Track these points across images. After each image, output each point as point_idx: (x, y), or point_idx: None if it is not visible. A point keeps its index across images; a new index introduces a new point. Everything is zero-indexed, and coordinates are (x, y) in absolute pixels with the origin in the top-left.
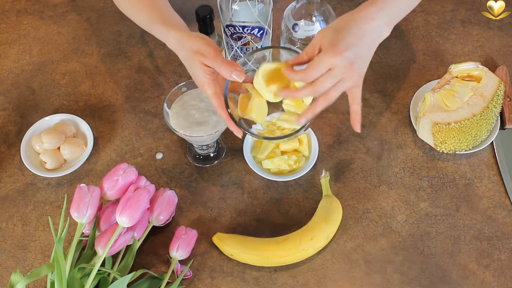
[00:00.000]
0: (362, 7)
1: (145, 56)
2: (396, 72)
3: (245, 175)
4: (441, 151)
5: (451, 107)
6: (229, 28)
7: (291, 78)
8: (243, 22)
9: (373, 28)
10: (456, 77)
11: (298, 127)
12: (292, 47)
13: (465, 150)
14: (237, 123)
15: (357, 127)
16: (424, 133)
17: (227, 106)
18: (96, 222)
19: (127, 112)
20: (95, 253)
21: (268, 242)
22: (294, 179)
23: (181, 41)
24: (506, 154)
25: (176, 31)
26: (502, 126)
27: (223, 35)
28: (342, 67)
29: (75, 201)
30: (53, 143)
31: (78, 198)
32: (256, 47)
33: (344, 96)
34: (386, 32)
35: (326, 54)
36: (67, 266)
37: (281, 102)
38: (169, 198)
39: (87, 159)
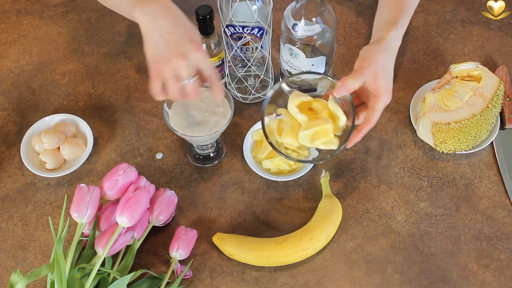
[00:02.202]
0: (387, 35)
1: (145, 56)
2: (396, 72)
3: (245, 175)
4: (441, 151)
5: (451, 107)
6: (229, 28)
7: (362, 135)
8: (243, 22)
9: (390, 49)
10: (456, 77)
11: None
12: (332, 79)
13: (465, 150)
14: (273, 146)
15: (351, 144)
16: (424, 133)
17: (265, 130)
18: (96, 222)
19: (127, 112)
20: (95, 253)
21: (268, 242)
22: (294, 179)
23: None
24: (506, 154)
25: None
26: (502, 126)
27: (223, 35)
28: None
29: (75, 201)
30: (53, 143)
31: (78, 198)
32: (256, 47)
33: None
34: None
35: (386, 100)
36: (67, 266)
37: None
38: (169, 198)
39: (87, 159)
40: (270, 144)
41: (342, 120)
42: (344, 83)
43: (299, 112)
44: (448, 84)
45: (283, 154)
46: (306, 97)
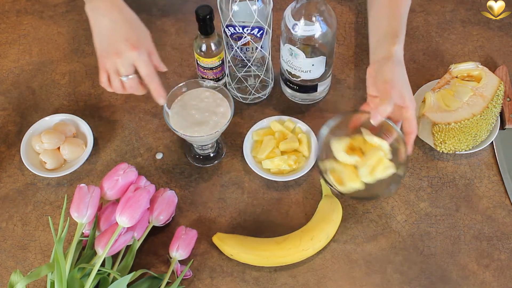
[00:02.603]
0: (393, 51)
1: None
2: None
3: (245, 175)
4: (441, 151)
5: (451, 107)
6: (229, 28)
7: (411, 145)
8: (243, 22)
9: (400, 63)
10: (456, 77)
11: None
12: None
13: (465, 150)
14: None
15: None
16: (424, 133)
17: (324, 176)
18: (96, 222)
19: (127, 112)
20: (95, 253)
21: (268, 242)
22: (294, 179)
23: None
24: (506, 154)
25: None
26: (502, 126)
27: (223, 35)
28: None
29: (75, 201)
30: (53, 143)
31: (78, 198)
32: (256, 47)
33: (344, 96)
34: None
35: (413, 106)
36: (67, 266)
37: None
38: (169, 198)
39: (87, 159)
40: (341, 193)
41: (385, 144)
42: (378, 111)
43: (349, 156)
44: (448, 84)
45: (365, 198)
46: (346, 140)
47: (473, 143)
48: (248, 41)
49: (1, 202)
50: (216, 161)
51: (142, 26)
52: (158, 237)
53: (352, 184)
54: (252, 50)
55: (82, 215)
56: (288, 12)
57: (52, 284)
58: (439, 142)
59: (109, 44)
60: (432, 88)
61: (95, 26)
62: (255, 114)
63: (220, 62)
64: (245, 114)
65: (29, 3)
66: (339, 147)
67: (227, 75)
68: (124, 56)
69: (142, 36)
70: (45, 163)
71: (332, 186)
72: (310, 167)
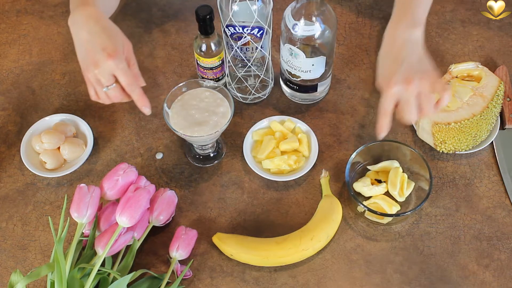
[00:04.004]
0: (393, 32)
1: (145, 56)
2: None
3: (245, 175)
4: (441, 151)
5: (451, 107)
6: (229, 28)
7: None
8: (243, 22)
9: (408, 46)
10: (456, 77)
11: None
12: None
13: (465, 150)
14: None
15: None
16: (424, 133)
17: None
18: (96, 222)
19: (127, 112)
20: (95, 253)
21: (268, 242)
22: (294, 179)
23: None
24: (506, 154)
25: None
26: (502, 126)
27: (223, 35)
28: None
29: (75, 201)
30: (53, 143)
31: (78, 198)
32: (256, 47)
33: (344, 96)
34: (418, 34)
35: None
36: (67, 266)
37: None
38: (169, 198)
39: (87, 159)
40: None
41: (396, 163)
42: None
43: (374, 186)
44: (448, 84)
45: (397, 214)
46: (366, 178)
47: (473, 143)
48: (248, 41)
49: (1, 202)
50: (216, 161)
51: (120, 35)
52: (158, 237)
53: (392, 210)
54: (252, 50)
55: (82, 215)
56: (288, 12)
57: (52, 284)
58: (439, 142)
59: (87, 56)
60: None
61: (75, 39)
62: (255, 114)
63: (220, 62)
64: (245, 114)
65: (29, 3)
66: (364, 185)
67: (227, 75)
68: (102, 66)
69: (120, 45)
70: (45, 163)
71: (378, 223)
72: (310, 167)
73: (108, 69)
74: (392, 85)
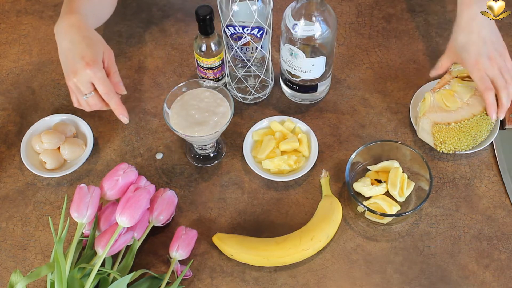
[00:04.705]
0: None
1: (145, 56)
2: (396, 72)
3: (245, 175)
4: (441, 151)
5: (451, 107)
6: (229, 28)
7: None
8: (243, 22)
9: (486, 25)
10: (456, 77)
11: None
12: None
13: (465, 150)
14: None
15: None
16: (424, 133)
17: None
18: (96, 222)
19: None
20: (95, 253)
21: (268, 242)
22: (294, 179)
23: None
24: (506, 154)
25: None
26: (502, 126)
27: (223, 35)
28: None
29: (75, 201)
30: (53, 143)
31: (78, 198)
32: (256, 47)
33: (344, 96)
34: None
35: (476, 67)
36: (67, 266)
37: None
38: (169, 198)
39: (87, 159)
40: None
41: (396, 163)
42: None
43: (374, 186)
44: (448, 84)
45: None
46: (366, 178)
47: (473, 143)
48: (248, 41)
49: (1, 202)
50: (216, 161)
51: (101, 45)
52: (158, 237)
53: (392, 210)
54: (252, 50)
55: (82, 215)
56: (288, 12)
57: (52, 284)
58: (439, 142)
59: (68, 64)
60: (432, 88)
61: (58, 47)
62: (255, 114)
63: (220, 62)
64: (245, 114)
65: (29, 3)
66: (364, 185)
67: (227, 75)
68: (80, 74)
69: (99, 54)
70: (45, 163)
71: (378, 223)
72: (310, 167)
73: (86, 77)
74: (480, 63)
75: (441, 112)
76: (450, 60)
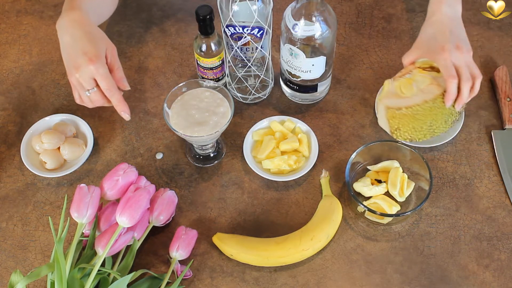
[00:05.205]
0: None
1: (145, 56)
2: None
3: (245, 175)
4: (397, 139)
5: (406, 94)
6: (229, 28)
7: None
8: (243, 22)
9: (454, 21)
10: (419, 67)
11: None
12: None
13: (422, 140)
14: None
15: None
16: (382, 120)
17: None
18: (96, 222)
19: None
20: (95, 253)
21: (268, 242)
22: (294, 179)
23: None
24: (506, 154)
25: None
26: (502, 126)
27: (223, 35)
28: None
29: (75, 201)
30: (53, 143)
31: (78, 198)
32: (256, 47)
33: (344, 96)
34: (459, 10)
35: (443, 56)
36: (67, 266)
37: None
38: (169, 198)
39: (87, 159)
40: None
41: (396, 163)
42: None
43: (374, 186)
44: (409, 74)
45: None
46: (366, 178)
47: (430, 133)
48: (248, 41)
49: (1, 202)
50: (216, 161)
51: (104, 40)
52: (158, 237)
53: (392, 210)
54: (252, 50)
55: (82, 215)
56: (288, 12)
57: (52, 284)
58: (394, 129)
59: (70, 60)
60: (394, 76)
61: (60, 43)
62: (255, 114)
63: (220, 62)
64: (245, 114)
65: (29, 3)
66: (364, 185)
67: (227, 75)
68: (82, 70)
69: (102, 50)
70: (45, 163)
71: (378, 223)
72: (310, 167)
73: (88, 73)
74: (446, 50)
75: (395, 98)
76: (415, 54)
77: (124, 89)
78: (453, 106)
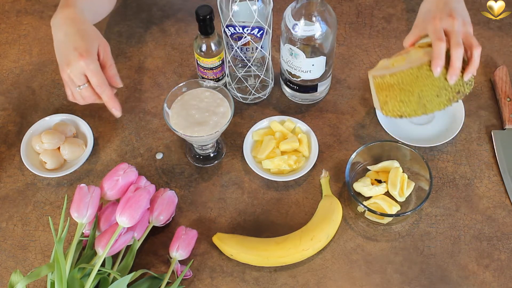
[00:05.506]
0: None
1: (145, 56)
2: None
3: (245, 175)
4: (387, 115)
5: (395, 66)
6: (229, 28)
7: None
8: (243, 22)
9: None
10: (418, 47)
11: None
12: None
13: (413, 116)
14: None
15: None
16: (374, 97)
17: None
18: (96, 222)
19: (127, 112)
20: (95, 253)
21: (268, 242)
22: (294, 179)
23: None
24: (506, 154)
25: None
26: (502, 126)
27: (223, 35)
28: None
29: (75, 201)
30: (53, 143)
31: (78, 198)
32: (256, 47)
33: (344, 96)
34: None
35: (431, 25)
36: (67, 266)
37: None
38: (169, 198)
39: (87, 159)
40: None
41: (396, 163)
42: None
43: (374, 186)
44: (407, 53)
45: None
46: (366, 178)
47: (420, 108)
48: (248, 41)
49: (1, 202)
50: (216, 161)
51: (96, 37)
52: (158, 237)
53: (392, 210)
54: (252, 50)
55: (82, 215)
56: (288, 12)
57: (52, 284)
58: (382, 103)
59: (62, 56)
60: (391, 56)
61: (54, 40)
62: (255, 114)
63: (220, 62)
64: (245, 114)
65: (29, 3)
66: (364, 185)
67: (227, 75)
68: (73, 66)
69: (94, 46)
70: (45, 163)
71: (378, 223)
72: (310, 167)
73: (79, 69)
74: (437, 18)
75: (383, 69)
76: (414, 34)
77: (116, 86)
78: (446, 79)
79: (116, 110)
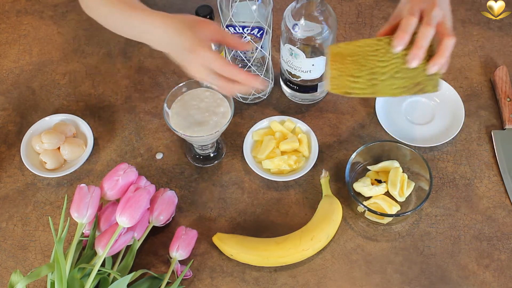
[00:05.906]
0: None
1: (145, 56)
2: None
3: (245, 175)
4: (333, 91)
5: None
6: (229, 28)
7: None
8: (243, 22)
9: None
10: None
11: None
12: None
13: (361, 96)
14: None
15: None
16: (326, 72)
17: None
18: (96, 222)
19: (127, 112)
20: (95, 253)
21: (268, 242)
22: (294, 179)
23: (175, 16)
24: (506, 154)
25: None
26: (502, 126)
27: None
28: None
29: (75, 201)
30: (53, 143)
31: (78, 198)
32: (256, 47)
33: (344, 96)
34: None
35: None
36: (67, 266)
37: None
38: (169, 198)
39: (87, 159)
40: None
41: (396, 163)
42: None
43: (374, 186)
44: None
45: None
46: (366, 178)
47: (370, 89)
48: (248, 41)
49: (1, 202)
50: (216, 161)
51: (195, 24)
52: (158, 237)
53: (392, 210)
54: (252, 50)
55: (82, 215)
56: (288, 12)
57: (52, 284)
58: (332, 77)
59: (179, 60)
60: None
61: (160, 48)
62: (255, 114)
63: None
64: (245, 114)
65: (29, 3)
66: (364, 185)
67: None
68: (192, 65)
69: (199, 35)
70: (45, 163)
71: (378, 223)
72: (310, 167)
73: (198, 67)
74: (417, 2)
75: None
76: (389, 23)
77: (246, 50)
78: (406, 59)
79: (260, 84)
